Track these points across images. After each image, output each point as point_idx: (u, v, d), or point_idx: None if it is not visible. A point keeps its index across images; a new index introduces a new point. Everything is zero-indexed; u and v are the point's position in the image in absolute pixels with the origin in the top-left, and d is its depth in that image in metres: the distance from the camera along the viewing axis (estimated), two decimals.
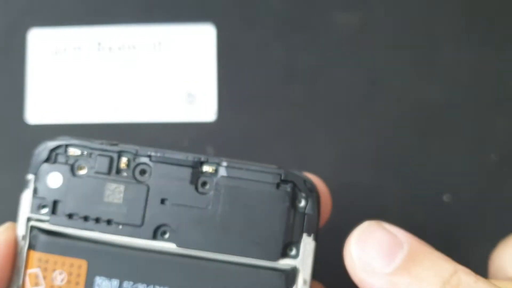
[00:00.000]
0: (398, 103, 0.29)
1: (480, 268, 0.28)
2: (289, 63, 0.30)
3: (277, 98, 0.29)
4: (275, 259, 0.19)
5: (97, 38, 0.30)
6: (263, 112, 0.29)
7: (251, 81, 0.30)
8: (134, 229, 0.19)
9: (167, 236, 0.19)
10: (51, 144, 0.19)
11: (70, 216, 0.19)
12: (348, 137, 0.29)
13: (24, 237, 0.19)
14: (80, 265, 0.19)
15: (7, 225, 0.19)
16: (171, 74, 0.30)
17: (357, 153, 0.29)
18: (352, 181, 0.29)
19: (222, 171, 0.19)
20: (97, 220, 0.19)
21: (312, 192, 0.19)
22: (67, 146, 0.19)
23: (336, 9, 0.30)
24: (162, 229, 0.19)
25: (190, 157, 0.19)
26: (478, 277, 0.17)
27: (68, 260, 0.19)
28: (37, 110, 0.29)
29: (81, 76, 0.30)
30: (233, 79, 0.30)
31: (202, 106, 0.29)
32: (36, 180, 0.19)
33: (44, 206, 0.19)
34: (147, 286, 0.19)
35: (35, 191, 0.19)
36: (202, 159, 0.19)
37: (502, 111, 0.29)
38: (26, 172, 0.19)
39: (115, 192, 0.19)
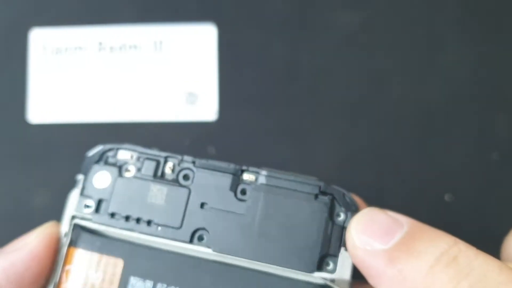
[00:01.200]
0: (399, 102, 0.29)
1: None
2: (290, 63, 0.30)
3: (278, 97, 0.29)
4: (311, 270, 0.18)
5: (98, 38, 0.30)
6: (264, 112, 0.29)
7: (252, 80, 0.30)
8: (173, 231, 0.19)
9: (204, 240, 0.19)
10: (104, 147, 0.20)
11: (112, 215, 0.19)
12: (349, 136, 0.29)
13: (66, 234, 0.19)
14: (116, 264, 0.19)
15: (51, 222, 0.20)
16: (172, 74, 0.30)
17: (358, 152, 0.29)
18: (353, 180, 0.29)
19: (262, 179, 0.19)
20: (138, 220, 0.19)
21: (351, 206, 0.19)
22: (118, 149, 0.20)
23: (337, 8, 0.30)
24: (199, 232, 0.19)
25: (232, 165, 0.19)
26: (479, 251, 0.17)
27: (105, 258, 0.19)
28: (39, 110, 0.29)
29: (83, 75, 0.30)
30: (234, 79, 0.30)
31: (203, 106, 0.29)
32: (85, 180, 0.20)
33: (89, 205, 0.20)
34: None
35: (82, 189, 0.20)
36: (243, 167, 0.19)
37: (503, 110, 0.29)
38: (78, 171, 0.20)
39: (158, 194, 0.19)
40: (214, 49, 0.30)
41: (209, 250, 0.19)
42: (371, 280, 0.18)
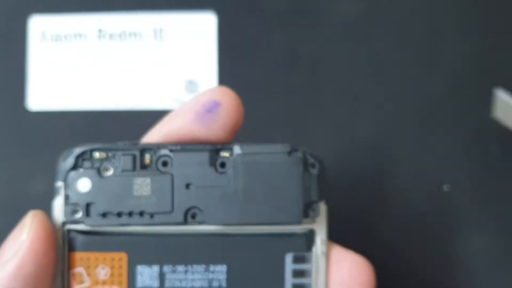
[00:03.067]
0: (399, 92, 0.29)
1: (479, 257, 0.28)
2: (291, 51, 0.30)
3: (278, 86, 0.29)
4: (299, 221, 0.20)
5: (98, 25, 0.30)
6: (264, 101, 0.29)
7: (252, 69, 0.30)
8: (166, 215, 0.20)
9: (197, 217, 0.20)
10: (77, 150, 0.20)
11: (104, 215, 0.20)
12: (349, 126, 0.29)
13: (63, 239, 0.20)
14: (121, 258, 0.20)
15: (33, 212, 0.20)
16: (172, 62, 0.30)
17: (358, 142, 0.29)
18: (353, 170, 0.29)
19: (237, 150, 0.20)
20: (130, 214, 0.20)
21: (319, 159, 0.20)
22: (91, 151, 0.20)
23: None
24: (191, 211, 0.20)
25: (208, 145, 0.20)
26: None
27: (109, 255, 0.20)
28: (39, 97, 0.29)
29: (82, 63, 0.30)
30: (234, 67, 0.30)
31: None
32: (66, 187, 0.20)
33: (77, 211, 0.20)
34: (185, 266, 0.20)
35: (66, 198, 0.20)
36: (218, 146, 0.20)
37: None
38: (55, 179, 0.20)
39: (142, 186, 0.20)
40: (214, 38, 0.30)
41: (204, 225, 0.20)
42: None
